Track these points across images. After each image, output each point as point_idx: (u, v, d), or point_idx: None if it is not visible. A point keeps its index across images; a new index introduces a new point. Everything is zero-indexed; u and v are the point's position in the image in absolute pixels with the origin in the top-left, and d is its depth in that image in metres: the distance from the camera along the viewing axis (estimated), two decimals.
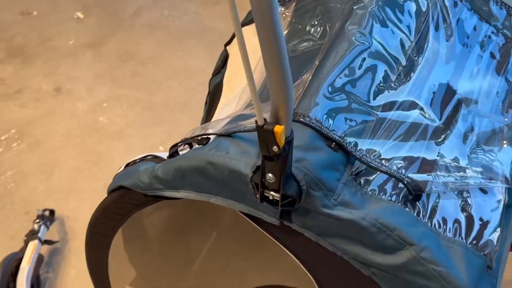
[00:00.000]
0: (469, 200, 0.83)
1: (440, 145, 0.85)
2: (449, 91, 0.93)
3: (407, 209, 0.76)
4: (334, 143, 0.75)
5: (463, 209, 0.81)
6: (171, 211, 1.20)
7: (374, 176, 0.78)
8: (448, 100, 0.92)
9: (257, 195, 0.72)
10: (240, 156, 0.76)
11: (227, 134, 0.82)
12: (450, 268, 0.73)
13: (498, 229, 0.82)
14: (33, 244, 1.87)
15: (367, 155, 0.77)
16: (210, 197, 0.82)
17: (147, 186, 0.88)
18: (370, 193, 0.76)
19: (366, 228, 0.72)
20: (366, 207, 0.74)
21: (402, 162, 0.80)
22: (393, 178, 0.77)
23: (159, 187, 0.87)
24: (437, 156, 0.83)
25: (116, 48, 3.06)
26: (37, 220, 1.97)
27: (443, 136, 0.88)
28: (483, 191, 0.87)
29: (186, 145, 0.90)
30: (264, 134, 0.60)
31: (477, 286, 0.75)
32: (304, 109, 0.77)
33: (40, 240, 1.90)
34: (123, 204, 1.00)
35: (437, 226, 0.77)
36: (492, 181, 0.87)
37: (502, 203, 0.87)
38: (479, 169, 0.87)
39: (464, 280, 0.73)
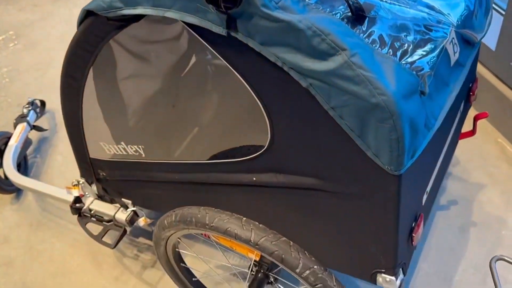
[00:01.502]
0: (411, 32, 0.87)
1: None
2: None
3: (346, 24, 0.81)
4: None
5: (404, 37, 0.85)
6: (138, 55, 1.25)
7: None
8: None
9: None
10: None
11: None
12: (379, 76, 0.77)
13: (434, 60, 0.86)
14: (21, 126, 1.95)
15: None
16: (165, 11, 0.87)
17: (108, 5, 0.94)
18: (313, 6, 0.81)
19: (303, 31, 0.77)
20: (305, 14, 0.78)
21: None
22: None
23: (119, 6, 0.92)
24: None
25: None
26: (27, 106, 2.04)
27: None
28: (428, 29, 0.91)
29: None
30: None
31: (407, 101, 0.80)
32: None
33: (28, 123, 1.97)
34: (90, 36, 1.06)
35: (373, 44, 0.82)
36: (441, 22, 0.91)
37: (444, 42, 0.90)
38: (427, 9, 0.91)
39: (392, 88, 0.78)
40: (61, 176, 2.00)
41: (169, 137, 1.27)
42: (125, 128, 1.31)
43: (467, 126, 1.43)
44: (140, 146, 1.26)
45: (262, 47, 0.82)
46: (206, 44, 0.90)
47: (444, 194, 1.75)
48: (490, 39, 1.80)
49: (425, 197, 1.15)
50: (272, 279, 1.30)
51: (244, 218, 1.12)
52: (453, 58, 1.01)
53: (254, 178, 1.07)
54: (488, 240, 1.62)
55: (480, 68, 1.89)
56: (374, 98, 0.78)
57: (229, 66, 0.90)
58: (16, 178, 1.74)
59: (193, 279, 1.45)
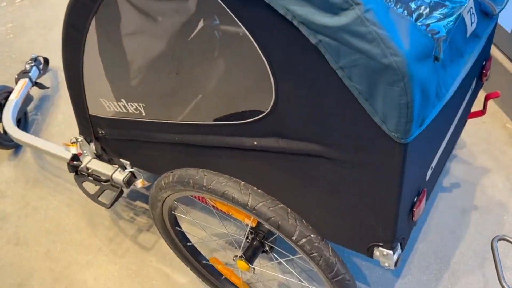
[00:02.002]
0: None
1: None
2: None
3: None
4: None
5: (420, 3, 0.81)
6: (144, 11, 1.21)
7: None
8: None
9: None
10: None
11: None
12: (392, 35, 0.74)
13: (451, 24, 0.82)
14: (23, 81, 1.92)
15: None
16: None
17: None
18: None
19: None
20: None
21: None
22: None
23: None
24: None
25: None
26: (30, 61, 2.00)
27: None
28: None
29: None
30: None
31: (420, 64, 0.76)
32: None
33: (30, 79, 1.94)
34: None
35: (388, 2, 0.78)
36: None
37: (462, 9, 0.86)
38: None
39: (405, 49, 0.74)
40: (61, 134, 1.97)
41: (171, 98, 1.23)
42: (126, 85, 1.27)
43: (476, 107, 1.39)
44: (140, 104, 1.23)
45: None
46: None
47: (447, 176, 1.72)
48: (506, 20, 1.75)
49: (429, 172, 1.12)
50: (267, 248, 1.28)
51: (243, 182, 1.09)
52: (470, 28, 0.97)
53: (255, 142, 1.04)
54: (489, 225, 1.59)
55: (494, 51, 1.84)
56: (386, 58, 0.74)
57: (236, 20, 0.86)
58: (15, 133, 1.71)
59: (188, 244, 1.44)
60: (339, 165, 0.95)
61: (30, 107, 2.04)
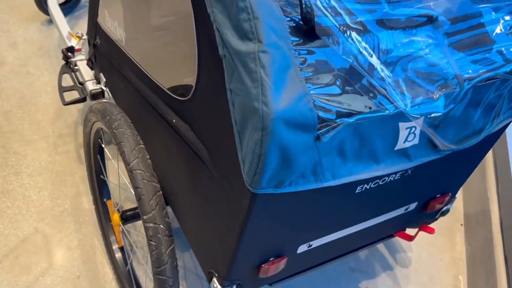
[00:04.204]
0: (362, 79, 0.81)
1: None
2: None
3: (289, 21, 0.76)
4: None
5: (351, 77, 0.79)
6: None
7: None
8: None
9: None
10: None
11: None
12: (275, 87, 0.72)
13: (344, 121, 0.79)
14: None
15: None
16: None
17: None
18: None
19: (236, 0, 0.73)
20: None
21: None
22: None
23: None
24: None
25: None
26: None
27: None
28: (382, 88, 0.84)
29: None
30: None
31: (289, 129, 0.73)
32: None
33: None
34: None
35: (301, 63, 0.76)
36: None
37: (383, 113, 0.82)
38: (391, 78, 0.84)
39: (278, 107, 0.71)
40: None
41: (140, 39, 1.25)
42: (120, 8, 1.32)
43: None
44: (123, 33, 1.28)
45: None
46: None
47: (370, 280, 1.65)
48: None
49: (304, 247, 1.09)
50: None
51: (140, 146, 1.12)
52: (401, 144, 0.93)
53: (174, 120, 1.06)
54: None
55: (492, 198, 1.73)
56: (257, 103, 0.73)
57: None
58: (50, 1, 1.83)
59: (101, 176, 1.48)
60: (212, 181, 0.96)
61: None
